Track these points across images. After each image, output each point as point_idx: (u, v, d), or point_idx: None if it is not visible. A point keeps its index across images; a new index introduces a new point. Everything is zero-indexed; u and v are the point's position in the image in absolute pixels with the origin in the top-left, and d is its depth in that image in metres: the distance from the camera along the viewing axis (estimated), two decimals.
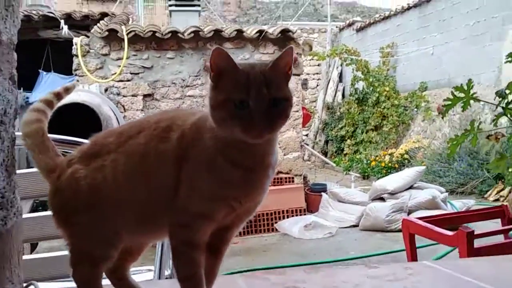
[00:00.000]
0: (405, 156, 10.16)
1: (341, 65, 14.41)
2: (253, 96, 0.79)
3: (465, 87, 0.88)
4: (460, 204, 6.21)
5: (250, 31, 7.33)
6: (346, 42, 14.73)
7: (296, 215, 6.57)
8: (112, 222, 0.88)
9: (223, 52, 0.80)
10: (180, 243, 0.85)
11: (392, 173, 8.54)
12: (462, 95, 0.88)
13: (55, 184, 0.94)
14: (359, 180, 10.17)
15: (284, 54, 0.83)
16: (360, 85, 12.92)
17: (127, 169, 0.88)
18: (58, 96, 1.06)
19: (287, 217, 6.53)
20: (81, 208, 0.89)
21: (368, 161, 11.18)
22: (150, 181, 0.87)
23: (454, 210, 5.91)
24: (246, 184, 0.84)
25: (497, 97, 0.82)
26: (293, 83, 7.68)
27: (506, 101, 0.81)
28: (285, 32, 7.34)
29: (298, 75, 7.82)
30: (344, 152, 13.13)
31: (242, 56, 7.49)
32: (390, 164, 10.21)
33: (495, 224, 3.69)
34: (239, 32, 7.27)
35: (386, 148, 11.50)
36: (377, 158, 10.96)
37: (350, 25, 15.20)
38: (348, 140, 13.22)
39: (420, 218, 2.84)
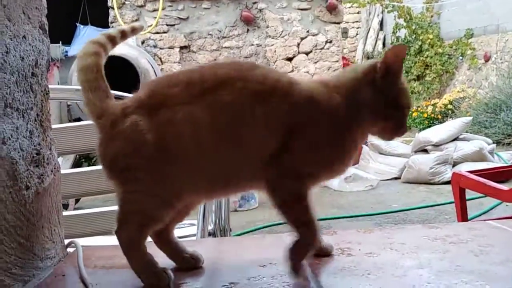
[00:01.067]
0: (449, 106, 9.81)
1: (382, 12, 13.83)
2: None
3: None
4: (508, 155, 5.95)
5: None
6: None
7: None
8: (177, 182, 0.82)
9: (404, 49, 0.87)
10: (288, 196, 0.86)
11: (435, 124, 8.27)
12: None
13: (108, 132, 0.85)
14: None
15: None
16: (402, 33, 12.41)
17: (215, 126, 0.82)
18: (123, 34, 0.95)
19: None
20: (142, 164, 0.82)
21: (410, 112, 10.89)
22: (243, 140, 0.83)
23: (502, 162, 5.68)
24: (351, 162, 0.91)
25: None
26: (333, 32, 7.42)
27: None
28: None
29: (338, 23, 7.53)
30: None
31: (279, 4, 7.24)
32: (433, 115, 9.90)
33: None
34: None
35: (429, 99, 11.14)
36: (419, 108, 10.63)
37: None
38: None
39: (470, 172, 2.69)
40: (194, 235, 1.72)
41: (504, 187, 2.28)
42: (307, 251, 0.87)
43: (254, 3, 7.17)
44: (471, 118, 6.64)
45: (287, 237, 1.13)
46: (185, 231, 1.86)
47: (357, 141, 0.89)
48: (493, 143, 6.35)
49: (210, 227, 1.76)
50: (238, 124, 0.82)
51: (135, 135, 0.81)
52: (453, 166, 5.58)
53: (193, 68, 0.89)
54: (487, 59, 10.53)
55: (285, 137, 0.83)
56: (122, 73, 4.85)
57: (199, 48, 7.12)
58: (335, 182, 5.75)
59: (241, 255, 1.03)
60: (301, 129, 0.84)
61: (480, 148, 5.72)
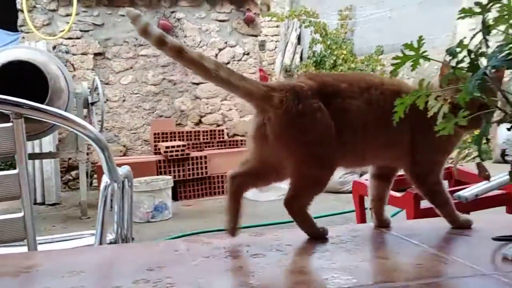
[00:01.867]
0: None
1: (300, 27, 14.29)
2: None
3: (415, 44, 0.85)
4: None
5: None
6: (305, 3, 14.56)
7: None
8: (336, 156, 1.08)
9: None
10: (431, 185, 1.15)
11: None
12: (412, 53, 0.84)
13: (288, 111, 1.03)
14: None
15: None
16: (318, 47, 12.89)
17: (373, 116, 1.07)
18: None
19: None
20: (323, 142, 1.05)
21: None
22: (390, 128, 0.99)
23: None
24: None
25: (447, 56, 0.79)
26: (251, 44, 7.57)
27: (456, 60, 0.77)
28: None
29: (256, 36, 7.69)
30: None
31: (198, 15, 7.28)
32: None
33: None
34: None
35: None
36: None
37: None
38: None
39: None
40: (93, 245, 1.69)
41: (397, 194, 2.45)
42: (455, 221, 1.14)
43: (173, 12, 7.15)
44: None
45: (181, 243, 1.16)
46: (85, 241, 1.83)
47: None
48: None
49: (112, 237, 1.74)
50: (387, 116, 0.98)
51: (323, 117, 1.03)
52: (361, 175, 5.87)
53: (345, 73, 1.29)
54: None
55: (412, 131, 1.08)
56: (30, 78, 4.64)
57: (114, 55, 6.97)
58: (249, 192, 5.85)
59: (133, 260, 1.04)
60: (420, 123, 1.03)
61: None
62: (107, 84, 7.00)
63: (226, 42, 7.45)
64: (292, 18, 13.35)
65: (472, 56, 0.73)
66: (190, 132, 7.20)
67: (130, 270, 0.95)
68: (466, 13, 0.76)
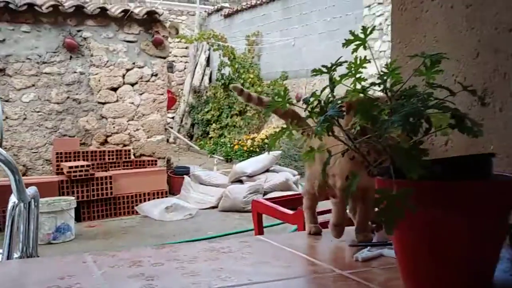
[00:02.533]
0: (266, 140, 10.71)
1: (209, 49, 14.59)
2: None
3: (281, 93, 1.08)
4: None
5: (115, 9, 7.15)
6: (214, 27, 14.93)
7: (158, 198, 6.64)
8: None
9: None
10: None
11: (253, 156, 8.99)
12: (280, 100, 1.07)
13: None
14: (222, 163, 10.50)
15: None
16: (227, 70, 13.24)
17: None
18: None
19: (149, 199, 6.57)
20: None
21: (232, 145, 11.58)
22: None
23: None
24: None
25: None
26: (159, 66, 7.67)
27: (310, 106, 1.01)
28: (151, 13, 7.28)
29: (164, 57, 7.82)
30: (210, 135, 13.40)
31: (105, 35, 7.27)
32: (251, 148, 10.70)
33: None
34: (103, 9, 7.05)
35: (249, 133, 11.99)
36: (240, 142, 11.39)
37: (218, 10, 15.42)
38: (214, 124, 13.50)
39: (268, 199, 3.12)
40: None
41: (290, 211, 2.71)
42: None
43: (79, 31, 7.09)
44: (280, 152, 7.41)
45: (87, 256, 1.29)
46: None
47: None
48: (299, 174, 7.16)
49: (17, 255, 1.80)
50: None
51: None
52: (264, 195, 6.17)
53: None
54: (298, 99, 11.82)
55: None
56: None
57: (16, 72, 6.74)
58: (155, 212, 5.91)
59: (44, 270, 1.16)
60: None
61: (286, 179, 6.44)
62: (6, 101, 6.74)
63: (134, 63, 7.50)
64: (201, 41, 13.63)
65: (322, 104, 0.97)
66: (95, 151, 7.11)
67: (42, 279, 1.07)
68: (317, 72, 1.00)
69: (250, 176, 6.55)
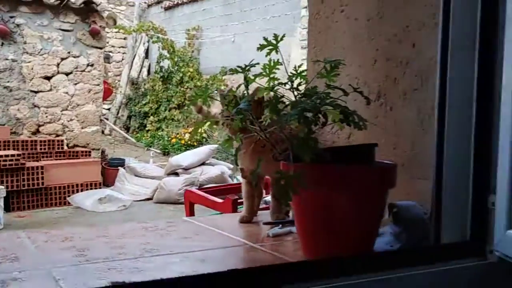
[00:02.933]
0: (204, 134, 10.80)
1: (148, 41, 14.44)
2: None
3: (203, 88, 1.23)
4: None
5: None
6: (153, 19, 14.79)
7: (92, 189, 6.60)
8: None
9: None
10: None
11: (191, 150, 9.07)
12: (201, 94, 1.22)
13: None
14: (159, 156, 10.48)
15: None
16: (166, 63, 13.17)
17: None
18: None
19: (82, 191, 6.51)
20: None
21: (169, 138, 11.58)
22: None
23: None
24: None
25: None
26: (96, 56, 7.58)
27: (227, 100, 1.17)
28: (88, 3, 7.18)
29: (101, 48, 7.73)
30: (147, 128, 13.30)
31: (40, 22, 7.10)
32: (189, 142, 10.75)
33: None
34: None
35: (187, 126, 12.02)
36: (178, 135, 11.41)
37: (158, 2, 15.27)
38: (151, 117, 13.41)
39: (201, 189, 3.26)
40: None
41: (219, 199, 2.87)
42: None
43: (12, 17, 6.88)
44: (216, 145, 7.55)
45: (22, 233, 1.39)
46: None
47: None
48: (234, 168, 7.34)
49: None
50: None
51: None
52: (199, 187, 6.30)
53: None
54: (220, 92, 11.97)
55: None
56: None
57: None
58: (88, 203, 5.89)
59: None
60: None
61: (222, 172, 6.59)
62: None
63: (69, 52, 7.37)
64: (140, 32, 13.47)
65: (235, 100, 1.13)
66: (26, 141, 6.94)
67: None
68: (233, 71, 1.16)
69: (186, 169, 6.65)
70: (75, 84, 7.45)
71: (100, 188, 6.71)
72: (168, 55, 12.95)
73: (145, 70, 14.61)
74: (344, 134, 1.53)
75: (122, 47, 15.26)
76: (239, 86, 1.17)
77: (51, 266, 1.06)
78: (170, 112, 12.93)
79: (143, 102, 13.60)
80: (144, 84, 14.09)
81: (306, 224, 1.12)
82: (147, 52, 14.73)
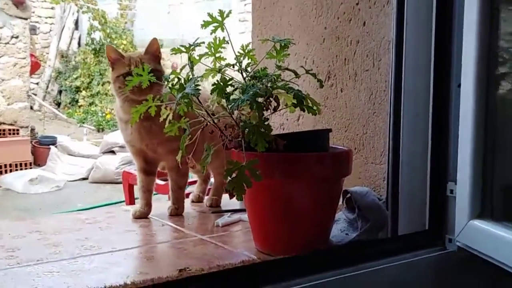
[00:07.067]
0: None
1: (78, 11, 13.72)
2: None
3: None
4: None
5: None
6: None
7: (21, 169, 6.24)
8: None
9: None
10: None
11: None
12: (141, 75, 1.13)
13: None
14: (93, 133, 10.09)
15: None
16: (97, 35, 12.60)
17: None
18: None
19: (11, 171, 6.15)
20: None
21: (104, 114, 11.16)
22: None
23: None
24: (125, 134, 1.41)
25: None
26: (20, 27, 7.09)
27: (171, 83, 1.08)
28: None
29: (26, 19, 7.22)
30: (79, 103, 12.75)
31: None
32: None
33: None
34: None
35: None
36: (112, 111, 11.01)
37: None
38: (84, 92, 12.85)
39: None
40: None
41: (161, 182, 2.75)
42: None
43: None
44: None
45: None
46: None
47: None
48: None
49: None
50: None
51: None
52: None
53: None
54: (174, 68, 11.69)
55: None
56: None
57: None
58: (18, 184, 5.56)
59: None
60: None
61: None
62: None
63: None
64: (68, 1, 12.76)
65: (182, 81, 1.04)
66: None
67: None
68: (176, 51, 1.07)
69: (123, 147, 6.40)
70: None
71: (30, 168, 6.37)
72: (99, 27, 12.38)
73: (75, 42, 13.90)
74: (294, 116, 1.48)
75: (50, 17, 14.39)
76: (184, 67, 1.08)
77: None
78: (103, 87, 12.43)
79: (74, 76, 12.97)
80: (75, 57, 13.42)
81: (259, 214, 1.07)
82: (76, 23, 14.00)
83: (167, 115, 1.15)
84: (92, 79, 12.69)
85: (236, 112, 1.04)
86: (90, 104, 12.41)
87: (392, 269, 0.86)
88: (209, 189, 1.62)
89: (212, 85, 1.09)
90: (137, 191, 1.45)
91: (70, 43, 13.84)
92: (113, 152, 6.51)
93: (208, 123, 1.11)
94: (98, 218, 1.38)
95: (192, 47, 1.06)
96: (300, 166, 1.00)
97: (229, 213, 1.39)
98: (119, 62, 1.32)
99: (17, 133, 6.82)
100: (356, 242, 1.03)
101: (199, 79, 1.04)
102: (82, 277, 0.92)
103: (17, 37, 7.06)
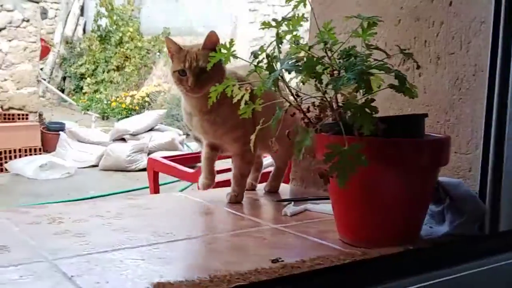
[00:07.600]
0: (146, 99, 10.40)
1: None
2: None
3: (227, 45, 1.06)
4: (195, 145, 6.77)
5: None
6: None
7: (31, 155, 6.16)
8: None
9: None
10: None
11: (133, 115, 8.69)
12: (225, 51, 1.05)
13: None
14: (98, 121, 10.01)
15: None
16: (104, 22, 12.48)
17: None
18: None
19: (20, 156, 6.07)
20: None
21: (109, 102, 11.06)
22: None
23: (189, 151, 6.44)
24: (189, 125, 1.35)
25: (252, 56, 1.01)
26: (31, 11, 6.98)
27: (257, 60, 1.00)
28: None
29: (37, 2, 7.12)
30: (84, 90, 12.64)
31: None
32: (131, 106, 10.32)
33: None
34: None
35: (128, 90, 11.54)
36: (118, 99, 10.92)
37: None
38: (88, 79, 12.74)
39: (164, 158, 3.06)
40: None
41: (190, 170, 2.69)
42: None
43: None
44: (165, 111, 7.26)
45: None
46: None
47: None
48: (183, 134, 7.11)
49: None
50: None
51: None
52: (148, 154, 6.03)
53: None
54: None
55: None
56: None
57: None
58: (28, 170, 5.48)
59: None
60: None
61: (172, 139, 6.34)
62: None
63: (1, 5, 6.72)
64: None
65: (269, 59, 0.97)
66: None
67: None
68: (266, 25, 0.99)
69: (134, 135, 6.33)
70: (9, 40, 6.85)
71: (40, 154, 6.29)
72: (106, 13, 12.25)
73: (80, 29, 13.76)
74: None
75: (55, 2, 14.25)
76: (270, 43, 1.00)
77: (53, 257, 0.87)
78: (108, 74, 12.32)
79: (79, 62, 12.85)
80: (80, 44, 13.29)
81: (348, 203, 1.00)
82: (82, 9, 13.85)
83: (242, 96, 1.08)
84: (97, 66, 12.57)
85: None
86: (95, 91, 12.30)
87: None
88: (263, 174, 1.55)
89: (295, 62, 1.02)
90: (202, 161, 1.39)
91: (75, 29, 13.71)
92: (123, 139, 6.43)
93: (291, 104, 1.04)
94: (152, 204, 1.31)
95: (281, 23, 0.98)
96: (399, 153, 0.93)
97: (292, 202, 1.32)
98: (177, 56, 1.26)
99: (26, 118, 6.74)
100: (461, 238, 0.96)
101: (293, 56, 0.96)
102: (174, 265, 0.85)
103: (28, 21, 6.96)
